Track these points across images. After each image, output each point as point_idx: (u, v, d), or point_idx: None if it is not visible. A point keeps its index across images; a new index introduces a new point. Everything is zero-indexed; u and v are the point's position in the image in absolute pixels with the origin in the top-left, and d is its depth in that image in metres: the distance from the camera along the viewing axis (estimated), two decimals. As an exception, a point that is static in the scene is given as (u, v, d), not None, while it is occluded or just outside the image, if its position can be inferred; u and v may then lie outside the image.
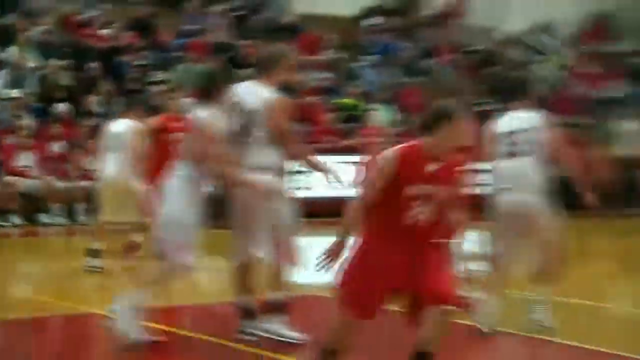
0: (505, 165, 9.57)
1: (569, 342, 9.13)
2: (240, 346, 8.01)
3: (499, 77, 26.13)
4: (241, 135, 8.53)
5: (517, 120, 9.82)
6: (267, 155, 8.40)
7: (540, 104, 11.22)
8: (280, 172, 8.70)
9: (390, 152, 6.32)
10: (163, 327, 8.42)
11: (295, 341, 8.06)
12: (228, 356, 8.21)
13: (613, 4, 31.36)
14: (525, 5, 29.46)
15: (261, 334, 8.18)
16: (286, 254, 8.47)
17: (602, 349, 8.75)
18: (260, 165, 8.50)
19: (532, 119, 9.87)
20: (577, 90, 27.29)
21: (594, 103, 26.20)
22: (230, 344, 8.14)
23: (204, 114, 8.56)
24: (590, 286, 11.62)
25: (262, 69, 8.48)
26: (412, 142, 6.43)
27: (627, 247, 17.71)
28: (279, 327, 8.19)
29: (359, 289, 6.44)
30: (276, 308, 8.28)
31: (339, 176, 9.11)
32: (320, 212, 17.00)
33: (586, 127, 22.33)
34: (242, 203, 8.43)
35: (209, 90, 9.00)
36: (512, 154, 9.42)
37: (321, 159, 15.07)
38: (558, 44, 29.62)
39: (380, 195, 6.39)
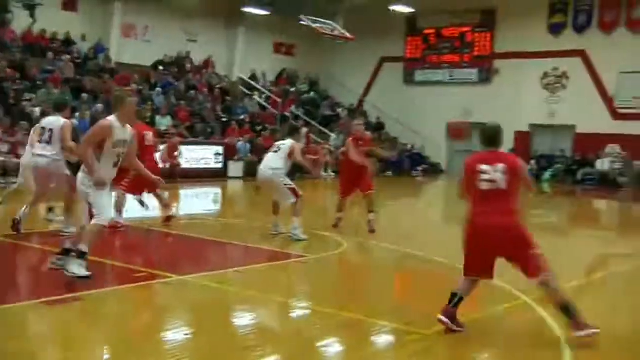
0: None
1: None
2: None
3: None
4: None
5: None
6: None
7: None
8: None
9: None
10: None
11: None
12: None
13: (293, 63, 31.78)
14: (245, 62, 29.48)
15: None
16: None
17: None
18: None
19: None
20: (273, 111, 27.58)
21: (282, 118, 26.51)
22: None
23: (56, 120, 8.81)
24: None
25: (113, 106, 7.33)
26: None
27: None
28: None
29: None
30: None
31: None
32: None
33: (277, 131, 22.48)
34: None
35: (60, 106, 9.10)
36: None
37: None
38: (263, 85, 29.66)
39: None
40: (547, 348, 5.56)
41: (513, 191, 5.72)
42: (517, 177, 5.75)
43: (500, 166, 5.70)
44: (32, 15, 22.22)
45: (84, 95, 20.82)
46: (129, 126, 6.98)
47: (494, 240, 5.68)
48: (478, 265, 5.84)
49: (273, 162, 10.09)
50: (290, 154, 10.08)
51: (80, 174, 6.85)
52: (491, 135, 5.98)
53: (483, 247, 5.74)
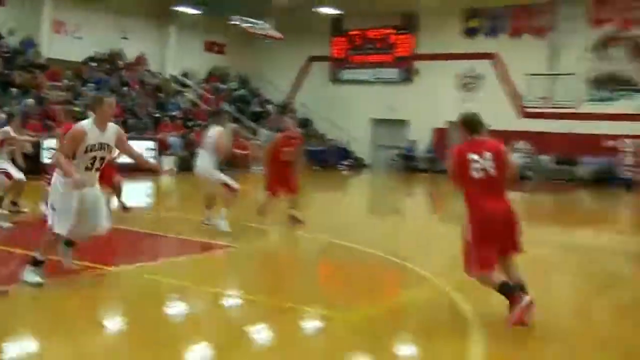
0: None
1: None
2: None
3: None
4: None
5: None
6: None
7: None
8: None
9: None
10: None
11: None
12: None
13: (224, 61, 31.59)
14: (177, 59, 29.14)
15: None
16: None
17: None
18: None
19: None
20: (205, 107, 27.35)
21: (212, 113, 26.25)
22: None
23: None
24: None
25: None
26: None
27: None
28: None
29: None
30: None
31: None
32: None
33: (205, 127, 22.23)
34: None
35: None
36: None
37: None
38: (195, 82, 29.41)
39: None
40: (458, 329, 5.71)
41: (503, 176, 5.70)
42: (504, 162, 5.74)
43: (488, 154, 5.67)
44: None
45: (13, 89, 20.25)
46: (111, 126, 6.53)
47: (499, 224, 5.63)
48: (488, 256, 5.67)
49: (202, 159, 10.00)
50: (218, 145, 9.86)
51: (54, 175, 6.47)
52: (476, 122, 5.90)
53: (491, 234, 5.63)
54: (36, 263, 6.32)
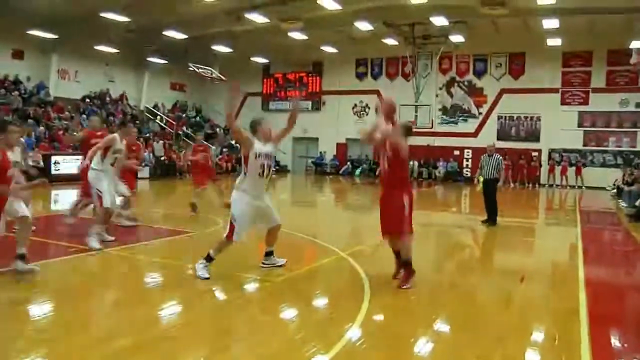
0: None
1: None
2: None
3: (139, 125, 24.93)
4: None
5: None
6: None
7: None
8: None
9: None
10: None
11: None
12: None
13: (184, 97, 30.88)
14: (149, 96, 28.34)
15: None
16: None
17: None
18: None
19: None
20: (170, 130, 26.56)
21: (176, 135, 25.53)
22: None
23: None
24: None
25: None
26: None
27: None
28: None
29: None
30: None
31: None
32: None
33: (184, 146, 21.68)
34: None
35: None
36: None
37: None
38: (162, 112, 28.64)
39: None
40: (355, 284, 5.80)
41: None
42: None
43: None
44: None
45: (30, 120, 19.38)
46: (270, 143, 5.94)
47: None
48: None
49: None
50: (104, 148, 7.46)
51: (234, 192, 5.80)
52: (410, 130, 5.56)
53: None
54: (209, 259, 5.82)
